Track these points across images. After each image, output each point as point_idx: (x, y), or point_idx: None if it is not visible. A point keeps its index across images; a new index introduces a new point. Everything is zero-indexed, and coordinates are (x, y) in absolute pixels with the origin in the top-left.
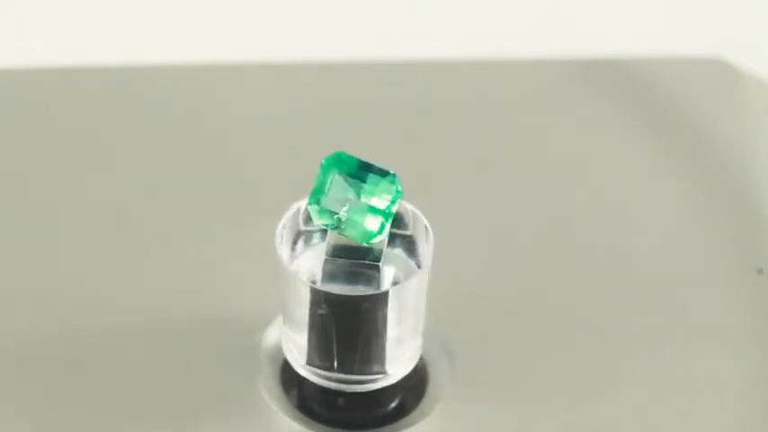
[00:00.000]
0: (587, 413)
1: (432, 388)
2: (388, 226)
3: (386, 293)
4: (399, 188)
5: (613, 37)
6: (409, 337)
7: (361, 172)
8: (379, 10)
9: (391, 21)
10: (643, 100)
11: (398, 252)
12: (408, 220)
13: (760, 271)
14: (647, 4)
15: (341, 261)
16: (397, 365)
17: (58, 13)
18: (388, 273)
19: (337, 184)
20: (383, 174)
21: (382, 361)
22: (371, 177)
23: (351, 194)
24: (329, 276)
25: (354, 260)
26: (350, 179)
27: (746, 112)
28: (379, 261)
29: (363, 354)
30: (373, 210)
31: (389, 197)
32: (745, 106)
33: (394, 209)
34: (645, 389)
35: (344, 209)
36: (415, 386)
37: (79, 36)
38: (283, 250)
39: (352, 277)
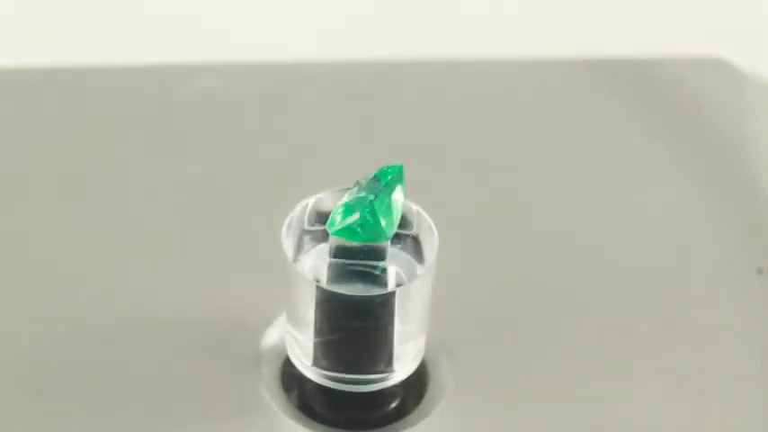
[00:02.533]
0: (587, 413)
1: (432, 388)
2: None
3: (393, 293)
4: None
5: (613, 37)
6: (413, 337)
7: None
8: (379, 10)
9: (391, 21)
10: (643, 100)
11: (403, 252)
12: (413, 220)
13: (760, 271)
14: (647, 5)
15: (345, 262)
16: (400, 365)
17: (58, 13)
18: (391, 272)
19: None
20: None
21: (388, 360)
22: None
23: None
24: (334, 278)
25: (359, 261)
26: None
27: (746, 112)
28: (384, 260)
29: (369, 353)
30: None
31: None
32: (745, 106)
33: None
34: (645, 388)
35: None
36: (415, 386)
37: (79, 36)
38: (288, 248)
39: (358, 278)
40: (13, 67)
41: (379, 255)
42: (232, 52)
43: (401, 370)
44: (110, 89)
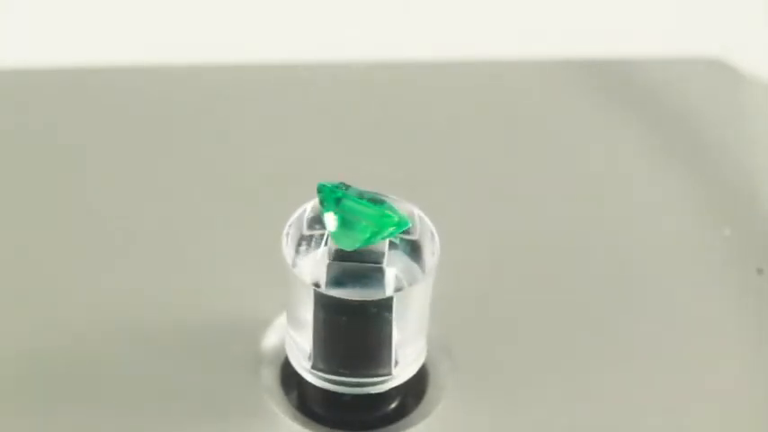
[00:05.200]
0: (587, 413)
1: (432, 388)
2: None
3: (390, 298)
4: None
5: (613, 37)
6: (413, 340)
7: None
8: (378, 10)
9: (391, 21)
10: (643, 100)
11: (403, 256)
12: (415, 224)
13: (760, 271)
14: (648, 5)
15: (345, 264)
16: (401, 368)
17: (58, 13)
18: (390, 275)
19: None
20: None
21: (387, 363)
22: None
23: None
24: (334, 280)
25: (358, 263)
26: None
27: (746, 113)
28: (381, 263)
29: (368, 356)
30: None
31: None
32: (744, 107)
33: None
34: (645, 389)
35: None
36: (415, 386)
37: (79, 36)
38: (288, 252)
39: (356, 280)
40: (14, 68)
41: (377, 257)
42: (232, 52)
43: (401, 374)
44: (110, 89)
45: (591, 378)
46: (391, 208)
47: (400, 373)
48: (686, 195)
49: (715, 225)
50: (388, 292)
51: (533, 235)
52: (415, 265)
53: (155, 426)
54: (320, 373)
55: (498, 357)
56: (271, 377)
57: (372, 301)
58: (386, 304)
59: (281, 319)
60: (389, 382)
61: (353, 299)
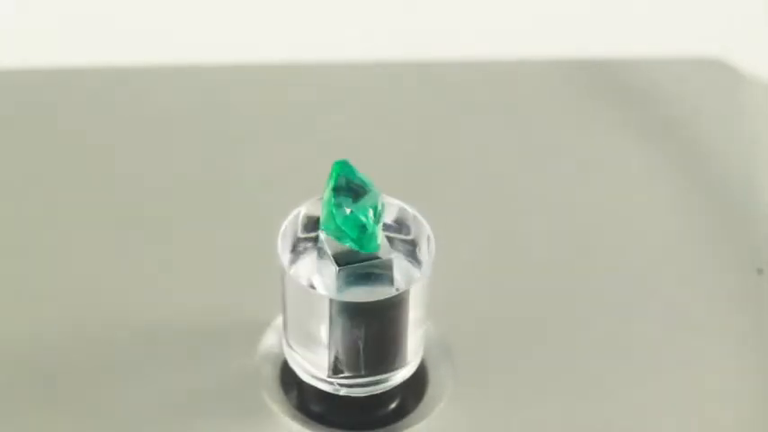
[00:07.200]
0: (587, 413)
1: (432, 388)
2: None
3: (324, 297)
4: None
5: (613, 37)
6: (412, 340)
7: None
8: (379, 10)
9: (391, 21)
10: (643, 100)
11: (400, 257)
12: (411, 224)
13: (760, 271)
14: (647, 5)
15: (353, 266)
16: (346, 379)
17: (58, 13)
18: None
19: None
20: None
21: (326, 364)
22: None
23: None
24: (345, 285)
25: (365, 262)
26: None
27: (746, 113)
28: (341, 265)
29: (308, 347)
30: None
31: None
32: (744, 107)
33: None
34: (645, 389)
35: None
36: (415, 387)
37: (79, 36)
38: (283, 256)
39: (366, 281)
40: (13, 68)
41: (349, 261)
42: (231, 52)
43: (400, 373)
44: (110, 89)
45: (591, 378)
46: (366, 229)
47: (400, 372)
48: (686, 195)
49: (715, 225)
50: (328, 292)
51: (533, 235)
52: (412, 267)
53: (155, 426)
54: (286, 344)
55: (498, 357)
56: (270, 377)
57: (312, 290)
58: (318, 301)
59: (281, 320)
60: (329, 385)
61: (298, 279)
